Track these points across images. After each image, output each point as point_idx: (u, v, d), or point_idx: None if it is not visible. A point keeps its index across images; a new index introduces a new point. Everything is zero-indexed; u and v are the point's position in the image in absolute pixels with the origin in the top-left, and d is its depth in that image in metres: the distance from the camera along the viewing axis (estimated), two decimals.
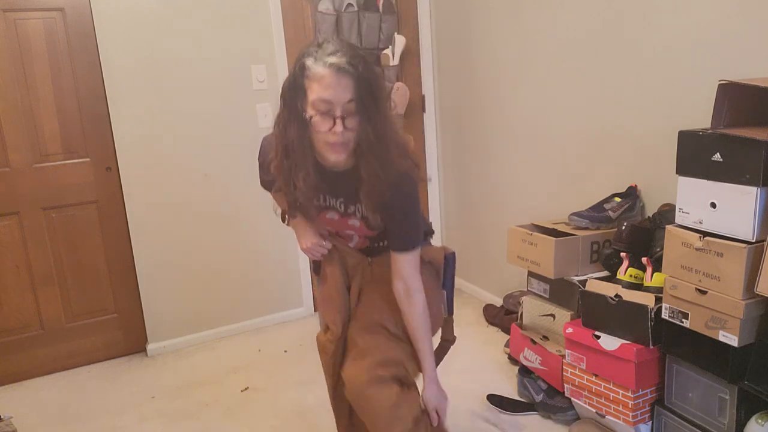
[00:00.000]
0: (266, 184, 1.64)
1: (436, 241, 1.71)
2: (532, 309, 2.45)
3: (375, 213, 1.43)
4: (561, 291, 2.31)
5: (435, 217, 3.73)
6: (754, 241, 1.56)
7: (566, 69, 2.59)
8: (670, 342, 1.83)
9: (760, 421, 1.62)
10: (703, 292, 1.66)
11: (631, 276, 1.99)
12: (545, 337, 2.38)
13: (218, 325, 3.20)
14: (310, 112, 1.29)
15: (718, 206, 1.63)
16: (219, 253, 3.13)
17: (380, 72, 1.41)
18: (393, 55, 3.36)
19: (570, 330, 2.07)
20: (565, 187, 2.71)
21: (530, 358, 2.34)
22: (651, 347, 1.86)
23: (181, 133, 2.96)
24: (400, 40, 3.37)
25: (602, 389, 1.99)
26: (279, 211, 1.67)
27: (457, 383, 2.38)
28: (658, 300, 1.83)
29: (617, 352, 1.90)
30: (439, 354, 1.70)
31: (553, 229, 2.37)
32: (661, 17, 2.13)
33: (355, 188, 1.42)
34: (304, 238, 1.61)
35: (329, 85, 1.25)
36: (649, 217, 2.19)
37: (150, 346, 3.06)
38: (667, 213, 2.03)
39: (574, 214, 2.32)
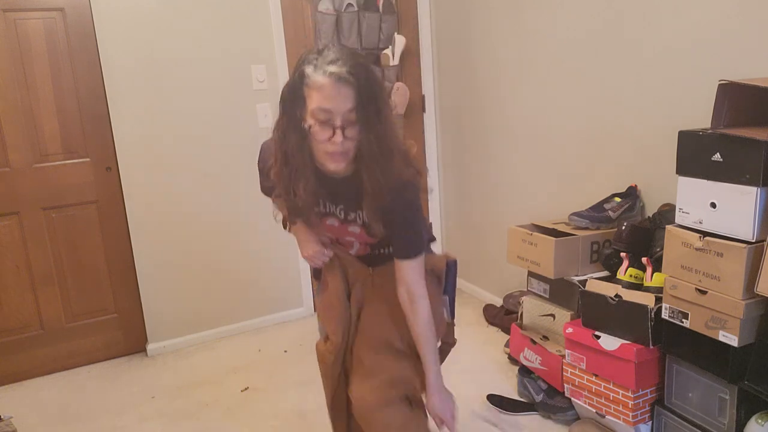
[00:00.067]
0: (266, 190, 1.62)
1: (436, 240, 1.69)
2: (532, 309, 2.45)
3: (377, 220, 1.41)
4: (561, 291, 2.30)
5: (435, 218, 3.73)
6: (754, 241, 1.56)
7: (566, 69, 2.59)
8: (670, 342, 1.83)
9: (760, 421, 1.62)
10: (703, 292, 1.66)
11: (631, 276, 1.99)
12: (545, 337, 2.38)
13: (218, 325, 3.20)
14: (309, 121, 1.27)
15: (718, 206, 1.63)
16: (219, 253, 3.13)
17: (382, 79, 1.37)
18: (393, 55, 3.36)
19: (570, 330, 2.07)
20: (565, 187, 2.71)
21: (530, 358, 2.34)
22: (651, 347, 1.86)
23: (181, 133, 2.96)
24: (400, 40, 3.37)
25: (602, 389, 1.99)
26: (279, 217, 1.65)
27: (457, 383, 2.37)
28: (658, 300, 1.83)
29: (617, 352, 1.90)
30: (440, 357, 1.70)
31: (553, 229, 2.37)
32: (661, 17, 2.13)
33: (355, 195, 1.39)
34: (305, 245, 1.58)
35: (329, 95, 1.22)
36: (649, 217, 2.19)
37: (150, 346, 3.06)
38: (667, 213, 2.03)
39: (574, 214, 2.32)
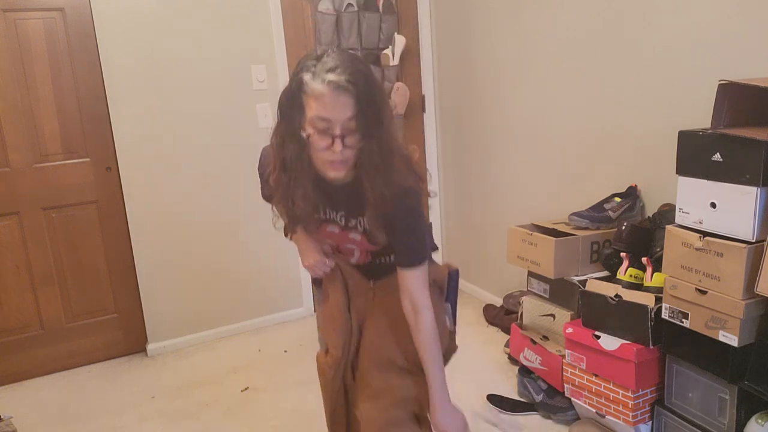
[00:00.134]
0: (267, 196, 1.59)
1: (436, 242, 1.66)
2: (532, 309, 2.45)
3: (378, 228, 1.38)
4: (561, 291, 2.30)
5: (435, 218, 3.73)
6: (754, 241, 1.56)
7: (566, 69, 2.59)
8: (670, 342, 1.83)
9: (760, 421, 1.62)
10: (703, 292, 1.66)
11: (631, 276, 1.99)
12: (545, 337, 2.38)
13: (218, 325, 3.20)
14: (308, 129, 1.24)
15: (718, 206, 1.63)
16: (219, 252, 3.13)
17: (382, 83, 1.33)
18: (393, 55, 3.36)
19: (570, 330, 2.07)
20: (565, 187, 2.71)
21: (530, 358, 2.34)
22: (651, 347, 1.86)
23: (181, 133, 2.96)
24: (400, 40, 3.37)
25: (602, 389, 1.99)
26: (279, 225, 1.60)
27: (457, 383, 2.37)
28: (658, 300, 1.83)
29: (617, 352, 1.90)
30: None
31: (553, 229, 2.37)
32: (661, 17, 2.13)
33: (356, 201, 1.36)
34: (306, 254, 1.55)
35: (328, 104, 1.19)
36: (649, 217, 2.19)
37: (150, 346, 3.06)
38: (667, 213, 2.03)
39: (574, 214, 2.32)
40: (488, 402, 2.37)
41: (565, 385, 2.15)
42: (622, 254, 2.03)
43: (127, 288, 3.00)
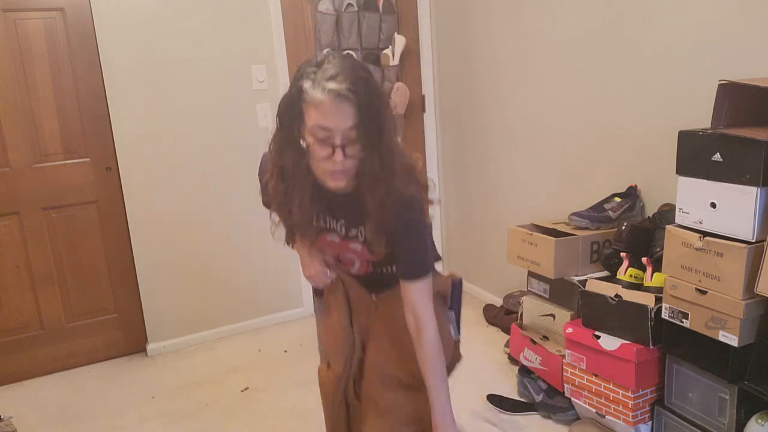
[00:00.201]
0: (267, 203, 1.53)
1: (436, 243, 1.62)
2: (532, 309, 2.45)
3: (379, 240, 1.34)
4: (561, 291, 2.30)
5: (435, 218, 3.73)
6: (754, 241, 1.56)
7: (566, 69, 2.59)
8: (670, 342, 1.83)
9: (760, 421, 1.62)
10: (703, 292, 1.66)
11: (631, 276, 1.99)
12: (545, 337, 2.38)
13: (218, 325, 3.20)
14: (308, 138, 1.20)
15: (718, 206, 1.63)
16: (219, 252, 3.13)
17: (385, 93, 1.27)
18: (393, 55, 3.36)
19: (570, 330, 2.07)
20: (565, 187, 2.71)
21: (530, 358, 2.34)
22: (651, 347, 1.86)
23: (181, 133, 2.96)
24: (400, 40, 3.37)
25: (602, 389, 1.99)
26: (277, 234, 1.52)
27: (457, 383, 2.37)
28: (658, 300, 1.83)
29: (617, 352, 1.90)
30: (447, 371, 1.61)
31: (553, 229, 2.37)
32: (661, 17, 2.13)
33: (356, 211, 1.33)
34: (308, 264, 1.51)
35: (328, 113, 1.15)
36: (649, 217, 2.19)
37: (150, 346, 3.06)
38: (667, 213, 2.03)
39: (574, 214, 2.32)
40: (488, 402, 2.37)
41: (565, 385, 2.15)
42: (622, 254, 2.03)
43: (127, 288, 3.00)
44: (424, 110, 3.62)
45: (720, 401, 1.74)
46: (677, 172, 1.74)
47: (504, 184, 3.12)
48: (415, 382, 1.44)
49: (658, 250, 1.95)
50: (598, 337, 1.97)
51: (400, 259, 1.38)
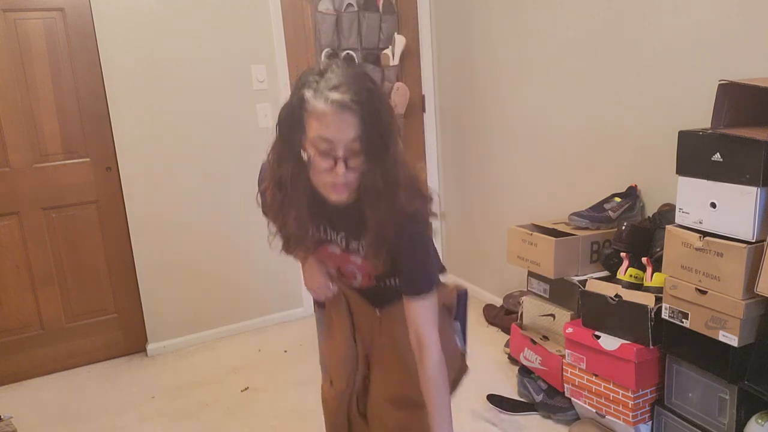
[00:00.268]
0: (265, 213, 1.46)
1: (437, 245, 1.58)
2: (532, 309, 2.45)
3: (378, 256, 1.29)
4: (561, 291, 2.30)
5: (435, 219, 3.72)
6: (754, 241, 1.56)
7: (566, 69, 2.59)
8: (670, 342, 1.83)
9: (760, 421, 1.62)
10: (703, 292, 1.66)
11: (631, 276, 1.99)
12: (545, 337, 2.38)
13: (218, 325, 3.20)
14: (309, 150, 1.15)
15: (718, 206, 1.63)
16: (219, 252, 3.13)
17: (390, 104, 1.22)
18: (393, 55, 3.36)
19: (570, 330, 2.07)
20: (565, 187, 2.71)
21: (530, 358, 2.34)
22: (651, 347, 1.86)
23: (181, 133, 2.96)
24: (400, 40, 3.37)
25: (602, 389, 1.99)
26: (275, 243, 1.47)
27: None
28: (658, 300, 1.83)
29: (617, 352, 1.90)
30: (452, 386, 1.57)
31: (553, 229, 2.37)
32: (661, 17, 2.13)
33: (357, 224, 1.27)
34: (310, 276, 1.47)
35: (330, 124, 1.10)
36: (649, 217, 2.19)
37: (150, 346, 3.06)
38: (667, 213, 2.03)
39: (574, 214, 2.32)
40: (488, 402, 2.37)
41: (565, 385, 2.15)
42: (622, 254, 2.03)
43: (127, 288, 3.00)
44: (424, 110, 3.62)
45: (720, 401, 1.74)
46: (677, 172, 1.74)
47: (504, 184, 3.12)
48: (423, 399, 1.37)
49: (658, 250, 1.95)
50: (598, 337, 1.97)
51: (403, 274, 1.32)
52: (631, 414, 1.91)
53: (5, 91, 2.64)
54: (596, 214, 2.28)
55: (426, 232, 1.31)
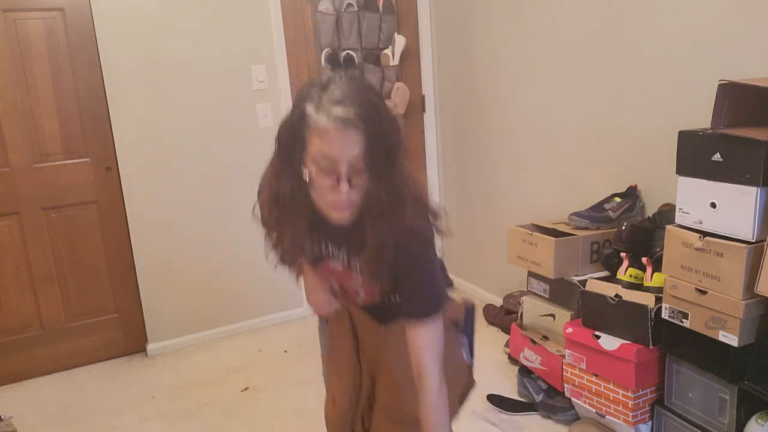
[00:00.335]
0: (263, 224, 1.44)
1: (453, 285, 1.49)
2: (532, 309, 2.45)
3: (375, 277, 1.23)
4: (561, 291, 2.30)
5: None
6: (754, 241, 1.56)
7: (566, 69, 2.59)
8: (670, 342, 1.83)
9: (760, 421, 1.62)
10: (703, 292, 1.66)
11: (631, 276, 1.99)
12: (545, 337, 2.38)
13: (218, 325, 3.20)
14: (310, 166, 1.09)
15: (718, 206, 1.63)
16: (219, 252, 3.13)
17: (396, 118, 1.15)
18: (393, 55, 3.36)
19: (570, 330, 2.06)
20: (565, 187, 2.71)
21: (530, 358, 2.34)
22: (651, 347, 1.86)
23: (181, 133, 2.96)
24: (400, 40, 3.37)
25: (602, 389, 1.99)
26: (271, 256, 1.43)
27: None
28: (658, 300, 1.83)
29: (617, 352, 1.90)
30: (460, 400, 1.54)
31: (553, 229, 2.37)
32: (661, 17, 2.13)
33: (359, 241, 1.21)
34: (311, 292, 1.43)
35: (333, 140, 1.04)
36: (649, 217, 2.19)
37: (150, 346, 3.06)
38: (667, 213, 2.03)
39: (574, 214, 2.32)
40: (488, 402, 2.37)
41: (565, 385, 2.15)
42: (622, 254, 2.03)
43: (127, 288, 3.00)
44: (424, 110, 3.62)
45: (720, 401, 1.74)
46: (677, 172, 1.74)
47: (504, 184, 3.12)
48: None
49: (658, 250, 1.95)
50: (598, 337, 1.97)
51: (403, 297, 1.26)
52: (631, 414, 1.91)
53: (5, 91, 2.64)
54: (596, 214, 2.28)
55: (430, 251, 1.25)
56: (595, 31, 2.42)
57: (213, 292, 3.16)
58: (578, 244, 2.24)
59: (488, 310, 3.19)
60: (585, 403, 2.07)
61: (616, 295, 1.92)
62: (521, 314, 2.51)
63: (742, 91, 1.65)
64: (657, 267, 1.89)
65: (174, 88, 2.91)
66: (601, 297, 1.97)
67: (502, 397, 2.39)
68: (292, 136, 1.10)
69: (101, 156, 2.86)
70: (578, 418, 2.19)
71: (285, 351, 3.00)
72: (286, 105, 3.16)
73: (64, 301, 2.90)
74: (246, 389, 2.65)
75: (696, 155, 1.67)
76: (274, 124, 3.24)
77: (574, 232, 2.27)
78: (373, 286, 1.28)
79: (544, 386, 2.29)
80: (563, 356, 2.16)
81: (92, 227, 2.90)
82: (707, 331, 1.67)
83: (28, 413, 2.55)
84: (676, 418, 1.86)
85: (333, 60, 3.26)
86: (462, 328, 1.46)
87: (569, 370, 2.11)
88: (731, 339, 1.61)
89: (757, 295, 1.55)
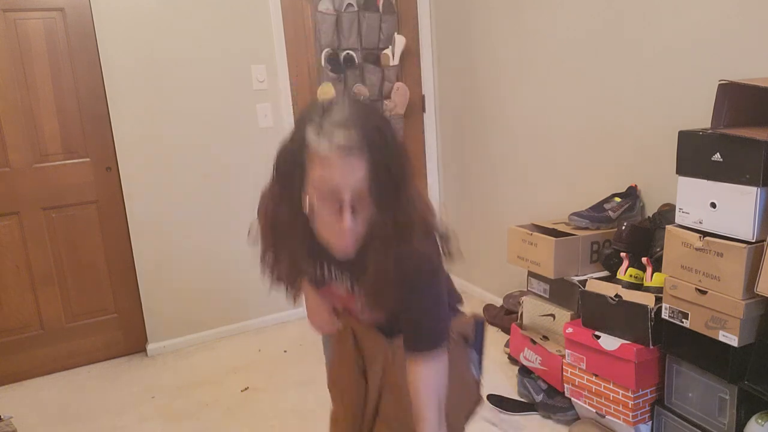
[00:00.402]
0: None
1: (463, 302, 1.46)
2: (532, 309, 2.44)
3: (375, 306, 1.18)
4: (561, 291, 2.30)
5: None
6: (754, 241, 1.56)
7: (566, 69, 2.59)
8: (670, 342, 1.83)
9: (760, 421, 1.62)
10: (703, 292, 1.66)
11: (631, 276, 1.99)
12: (545, 337, 2.38)
13: (218, 325, 3.20)
14: (310, 194, 1.02)
15: (718, 206, 1.63)
16: (219, 252, 3.13)
17: (402, 142, 1.06)
18: (393, 55, 3.36)
19: (570, 330, 2.06)
20: (565, 187, 2.71)
21: (530, 358, 2.34)
22: (651, 347, 1.86)
23: (181, 133, 2.96)
24: (400, 40, 3.37)
25: (602, 389, 1.99)
26: (267, 275, 1.36)
27: None
28: (658, 300, 1.83)
29: (617, 352, 1.90)
30: (467, 416, 1.51)
31: (553, 229, 2.37)
32: (661, 17, 2.13)
33: (362, 267, 1.14)
34: (313, 311, 1.38)
35: (335, 167, 0.97)
36: (649, 217, 2.19)
37: (150, 346, 3.06)
38: (667, 213, 2.03)
39: (574, 214, 2.32)
40: (488, 402, 2.37)
41: (565, 385, 2.15)
42: (622, 254, 2.03)
43: (127, 288, 3.00)
44: (424, 110, 3.62)
45: (720, 401, 1.74)
46: (677, 172, 1.74)
47: (504, 184, 3.12)
48: None
49: (658, 250, 1.95)
50: (598, 337, 1.97)
51: (406, 327, 1.19)
52: (631, 414, 1.91)
53: (5, 91, 2.64)
54: (596, 214, 2.28)
55: (435, 280, 1.19)
56: (595, 31, 2.42)
57: (213, 292, 3.16)
58: (578, 244, 2.24)
59: (488, 310, 3.19)
60: (585, 403, 2.07)
61: (616, 295, 1.92)
62: (521, 314, 2.51)
63: (742, 91, 1.65)
64: (657, 267, 1.89)
65: (174, 88, 2.91)
66: (601, 297, 1.97)
67: (502, 397, 2.39)
68: (292, 162, 1.04)
69: (101, 156, 2.86)
70: (578, 418, 2.19)
71: (285, 351, 3.00)
72: (286, 105, 3.16)
73: (64, 301, 2.90)
74: (246, 389, 2.65)
75: (696, 155, 1.67)
76: (274, 124, 3.26)
77: (574, 232, 2.27)
78: (376, 312, 1.23)
79: (544, 386, 2.29)
80: (563, 356, 2.16)
81: (92, 227, 2.90)
82: (707, 331, 1.67)
83: (28, 413, 2.55)
84: (676, 418, 1.86)
85: (333, 60, 3.26)
86: (472, 343, 1.42)
87: (569, 370, 2.11)
88: (731, 339, 1.61)
89: (757, 295, 1.55)
